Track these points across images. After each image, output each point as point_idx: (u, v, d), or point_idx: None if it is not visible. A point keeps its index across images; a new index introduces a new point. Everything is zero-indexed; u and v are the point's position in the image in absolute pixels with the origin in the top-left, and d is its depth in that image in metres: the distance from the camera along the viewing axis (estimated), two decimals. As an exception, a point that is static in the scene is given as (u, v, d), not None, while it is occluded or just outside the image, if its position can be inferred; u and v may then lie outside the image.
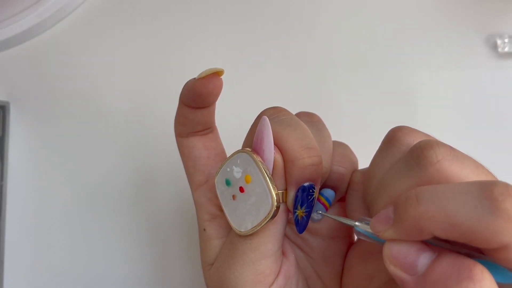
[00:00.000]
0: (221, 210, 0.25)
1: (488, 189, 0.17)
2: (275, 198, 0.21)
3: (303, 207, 0.22)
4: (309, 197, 0.22)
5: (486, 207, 0.16)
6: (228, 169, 0.23)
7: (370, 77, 0.39)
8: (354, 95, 0.38)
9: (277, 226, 0.23)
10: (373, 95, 0.38)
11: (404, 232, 0.18)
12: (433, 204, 0.17)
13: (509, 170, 0.37)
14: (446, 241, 0.18)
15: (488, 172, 0.20)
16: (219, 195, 0.24)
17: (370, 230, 0.20)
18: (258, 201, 0.22)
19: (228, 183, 0.23)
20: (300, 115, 0.26)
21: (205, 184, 0.26)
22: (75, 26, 0.40)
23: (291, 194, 0.22)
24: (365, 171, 0.24)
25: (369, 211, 0.23)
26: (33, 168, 0.38)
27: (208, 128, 0.26)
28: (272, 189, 0.22)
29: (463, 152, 0.20)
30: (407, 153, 0.20)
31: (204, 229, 0.26)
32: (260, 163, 0.22)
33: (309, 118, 0.26)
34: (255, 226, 0.22)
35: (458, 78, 0.38)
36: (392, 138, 0.22)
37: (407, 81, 0.38)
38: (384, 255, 0.19)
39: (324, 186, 0.25)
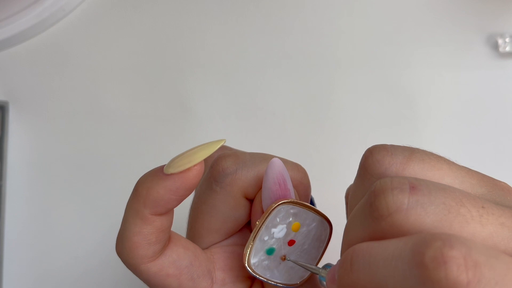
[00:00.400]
0: (250, 286, 0.22)
1: (419, 253, 0.13)
2: (327, 217, 0.21)
3: None
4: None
5: (416, 277, 0.13)
6: (266, 238, 0.20)
7: (370, 77, 0.39)
8: (354, 95, 0.38)
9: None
10: (373, 95, 0.38)
11: None
12: (364, 272, 0.15)
13: (509, 170, 0.37)
14: None
15: (471, 205, 0.15)
16: (261, 276, 0.20)
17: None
18: (315, 235, 0.21)
19: (271, 252, 0.20)
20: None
21: (214, 284, 0.21)
22: (75, 25, 0.40)
23: None
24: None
25: None
26: (32, 168, 0.38)
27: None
28: (322, 213, 0.21)
29: (429, 185, 0.15)
30: (364, 197, 0.17)
31: None
32: (300, 202, 0.20)
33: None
34: (319, 259, 0.21)
35: (458, 78, 0.38)
36: (362, 166, 0.18)
37: (407, 81, 0.38)
38: None
39: None
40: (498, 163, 0.37)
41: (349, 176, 0.39)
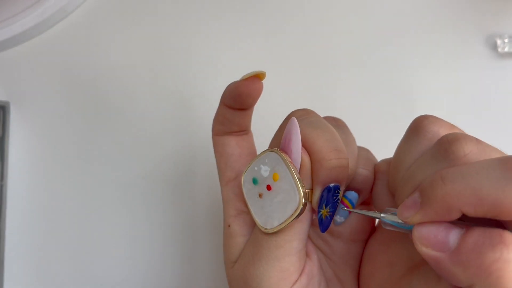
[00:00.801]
0: (247, 207, 0.25)
1: (507, 162, 0.18)
2: (303, 195, 0.22)
3: (328, 207, 0.23)
4: (334, 197, 0.23)
5: (508, 178, 0.17)
6: (256, 168, 0.24)
7: (370, 77, 0.39)
8: (354, 95, 0.38)
9: (302, 225, 0.23)
10: (373, 95, 0.38)
11: (433, 213, 0.19)
12: (458, 182, 0.18)
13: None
14: (471, 222, 0.19)
15: None
16: (245, 193, 0.25)
17: (397, 220, 0.21)
18: (285, 199, 0.23)
19: (255, 181, 0.24)
20: (326, 119, 0.27)
21: (234, 180, 0.27)
22: (75, 26, 0.40)
23: (317, 193, 0.23)
24: (390, 160, 0.25)
25: (394, 200, 0.23)
26: (33, 168, 0.38)
27: (243, 130, 0.27)
28: (300, 186, 0.22)
29: (489, 144, 0.20)
30: (434, 145, 0.21)
31: (229, 225, 0.26)
32: (288, 162, 0.22)
33: (335, 122, 0.27)
34: (281, 223, 0.23)
35: (458, 78, 0.38)
36: (418, 126, 0.22)
37: (407, 81, 0.38)
38: (414, 239, 0.19)
39: (348, 188, 0.26)
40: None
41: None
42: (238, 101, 0.26)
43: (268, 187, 0.23)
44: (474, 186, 0.18)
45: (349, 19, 0.40)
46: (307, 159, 0.23)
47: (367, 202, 0.27)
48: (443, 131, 0.22)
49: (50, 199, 0.37)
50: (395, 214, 0.21)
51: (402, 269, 0.23)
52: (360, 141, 0.38)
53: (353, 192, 0.26)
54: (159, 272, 0.37)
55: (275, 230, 0.23)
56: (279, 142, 0.24)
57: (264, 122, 0.38)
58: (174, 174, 0.38)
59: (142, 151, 0.38)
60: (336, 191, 0.23)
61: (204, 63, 0.39)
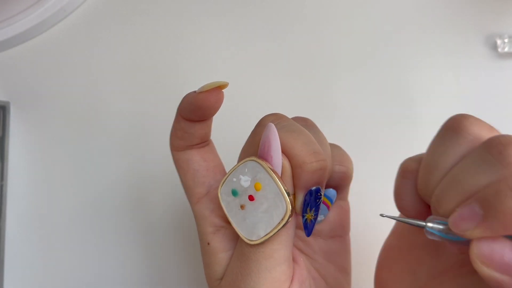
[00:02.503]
0: (226, 221, 0.24)
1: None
2: (289, 202, 0.22)
3: (312, 211, 0.22)
4: (317, 200, 0.22)
5: None
6: (235, 179, 0.23)
7: (370, 77, 0.39)
8: (354, 95, 0.38)
9: (288, 231, 0.23)
10: (373, 95, 0.38)
11: (500, 228, 0.17)
12: None
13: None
14: None
15: None
16: (224, 207, 0.23)
17: (443, 230, 0.19)
18: (271, 207, 0.22)
19: (235, 193, 0.23)
20: (295, 120, 0.26)
21: (206, 196, 0.25)
22: (75, 26, 0.40)
23: (300, 198, 0.22)
24: (420, 159, 0.23)
25: (423, 204, 0.22)
26: (33, 168, 0.38)
27: (205, 141, 0.26)
28: (285, 193, 0.22)
29: None
30: (483, 148, 0.19)
31: (208, 243, 0.25)
32: (270, 169, 0.22)
33: (304, 123, 0.26)
34: (268, 233, 0.22)
35: (458, 78, 0.38)
36: (457, 126, 0.20)
37: (407, 81, 0.38)
38: (473, 256, 0.17)
39: (326, 186, 0.25)
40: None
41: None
42: (199, 114, 0.24)
43: (251, 198, 0.22)
44: None
45: (349, 19, 0.40)
46: (287, 165, 0.22)
47: (342, 197, 0.26)
48: (485, 134, 0.20)
49: (50, 199, 0.37)
50: (442, 223, 0.19)
51: (425, 277, 0.23)
52: (360, 141, 0.38)
53: (331, 189, 0.26)
54: (159, 273, 0.37)
55: (262, 241, 0.22)
56: (254, 150, 0.23)
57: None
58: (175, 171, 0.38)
59: (142, 151, 0.38)
60: (318, 194, 0.22)
61: (204, 63, 0.39)
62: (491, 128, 0.20)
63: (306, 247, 0.27)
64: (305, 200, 0.22)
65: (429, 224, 0.20)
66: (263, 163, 0.22)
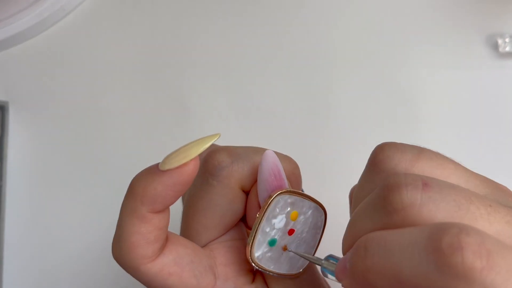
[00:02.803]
0: (252, 281, 0.22)
1: (436, 240, 0.14)
2: (322, 204, 0.21)
3: None
4: None
5: (432, 263, 0.14)
6: (268, 229, 0.20)
7: (370, 77, 0.39)
8: (354, 95, 0.38)
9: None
10: (373, 95, 0.38)
11: (356, 287, 0.16)
12: (379, 258, 0.15)
13: (509, 170, 0.37)
14: None
15: (479, 203, 0.16)
16: (265, 268, 0.20)
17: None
18: (312, 223, 0.21)
19: (272, 243, 0.20)
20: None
21: (218, 279, 0.21)
22: (75, 25, 0.40)
23: None
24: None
25: None
26: (32, 168, 0.38)
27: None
28: (316, 200, 0.21)
29: (440, 185, 0.16)
30: (375, 191, 0.17)
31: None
32: (295, 192, 0.20)
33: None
34: (318, 242, 0.22)
35: (458, 78, 0.38)
36: (373, 161, 0.18)
37: (407, 81, 0.38)
38: None
39: None
40: (498, 162, 0.37)
41: (349, 175, 0.39)
42: (181, 192, 0.18)
43: (290, 232, 0.20)
44: (395, 266, 0.15)
45: (349, 19, 0.40)
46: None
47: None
48: (402, 167, 0.17)
49: (49, 199, 0.37)
50: (335, 262, 0.19)
51: None
52: (360, 141, 0.38)
53: None
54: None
55: (305, 267, 0.22)
56: (266, 187, 0.20)
57: (264, 122, 0.38)
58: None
59: (142, 151, 0.38)
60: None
61: (204, 63, 0.39)
62: (415, 157, 0.18)
63: None
64: None
65: (323, 262, 0.19)
66: (288, 189, 0.20)
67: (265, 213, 0.20)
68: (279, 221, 0.20)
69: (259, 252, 0.20)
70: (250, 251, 0.20)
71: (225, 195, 0.21)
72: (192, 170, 0.18)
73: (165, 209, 0.19)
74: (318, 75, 0.39)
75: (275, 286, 0.22)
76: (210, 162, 0.21)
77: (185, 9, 0.40)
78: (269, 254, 0.20)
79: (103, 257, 0.37)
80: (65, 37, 0.40)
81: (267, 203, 0.19)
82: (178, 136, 0.38)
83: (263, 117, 0.38)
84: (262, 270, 0.20)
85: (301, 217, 0.21)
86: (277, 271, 0.21)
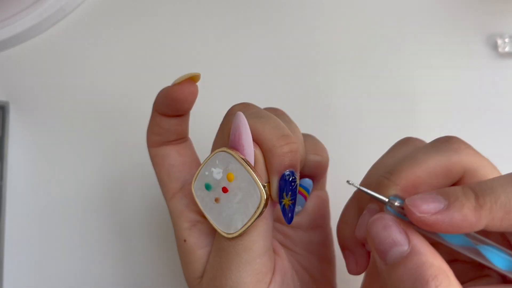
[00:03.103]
0: (202, 216, 0.24)
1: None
2: (263, 190, 0.21)
3: (288, 195, 0.22)
4: (293, 183, 0.22)
5: None
6: (207, 173, 0.23)
7: (370, 78, 0.39)
8: (354, 95, 0.38)
9: (266, 222, 0.22)
10: (373, 96, 0.38)
11: (459, 221, 0.19)
12: (489, 197, 0.19)
13: (509, 170, 0.37)
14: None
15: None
16: (199, 202, 0.23)
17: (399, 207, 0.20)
18: (245, 197, 0.22)
19: (208, 187, 0.23)
20: (266, 110, 0.26)
21: (181, 191, 0.25)
22: (75, 26, 0.40)
23: (275, 184, 0.22)
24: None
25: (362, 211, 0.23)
26: (33, 168, 0.38)
27: (182, 138, 0.26)
28: (258, 182, 0.21)
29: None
30: (432, 141, 0.23)
31: (185, 240, 0.25)
32: (241, 159, 0.22)
33: (275, 112, 0.26)
34: (246, 224, 0.22)
35: (458, 78, 0.38)
36: (408, 140, 0.24)
37: (407, 81, 0.38)
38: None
39: (301, 176, 0.25)
40: (498, 162, 0.37)
41: (349, 175, 0.38)
42: (173, 107, 0.24)
43: (224, 189, 0.22)
44: (504, 201, 0.18)
45: (349, 19, 0.40)
46: (258, 152, 0.22)
47: (319, 187, 0.27)
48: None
49: (50, 199, 0.37)
50: (400, 201, 0.20)
51: None
52: (360, 141, 0.38)
53: (307, 179, 0.26)
54: (160, 272, 0.37)
55: (240, 232, 0.22)
56: (225, 141, 0.23)
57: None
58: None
59: (142, 150, 0.38)
60: (293, 177, 0.22)
61: (204, 62, 0.39)
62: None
63: (286, 239, 0.26)
64: (280, 185, 0.22)
65: (391, 199, 0.21)
66: (233, 152, 0.22)
67: (207, 160, 0.23)
68: (217, 173, 0.22)
69: (198, 190, 0.23)
70: (193, 182, 0.23)
71: (221, 138, 0.24)
72: (176, 89, 0.24)
73: (166, 115, 0.25)
74: (318, 75, 0.39)
75: (216, 239, 0.24)
76: (231, 107, 0.24)
77: (185, 9, 0.40)
78: (204, 196, 0.23)
79: (104, 256, 0.37)
80: (65, 37, 0.40)
81: (214, 152, 0.23)
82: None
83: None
84: (198, 206, 0.23)
85: (235, 183, 0.22)
86: (213, 221, 0.23)
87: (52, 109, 0.39)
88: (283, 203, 0.22)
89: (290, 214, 0.22)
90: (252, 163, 0.22)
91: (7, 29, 0.38)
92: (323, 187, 0.27)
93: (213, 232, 0.24)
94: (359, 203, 0.24)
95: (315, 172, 0.25)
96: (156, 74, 0.39)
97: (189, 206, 0.25)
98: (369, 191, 0.21)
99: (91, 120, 0.38)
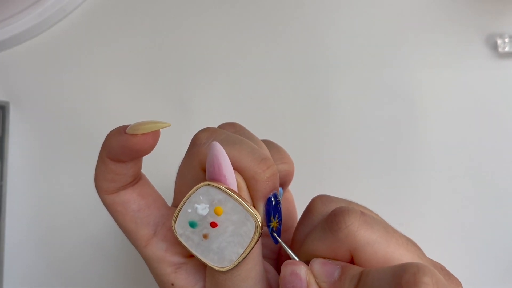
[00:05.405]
0: (186, 256, 0.24)
1: (397, 277, 0.18)
2: (258, 217, 0.21)
3: (276, 217, 0.22)
4: (277, 205, 0.22)
5: None
6: (190, 210, 0.22)
7: (369, 78, 0.39)
8: (353, 95, 0.38)
9: (258, 247, 0.22)
10: (372, 96, 0.38)
11: None
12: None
13: (509, 170, 0.37)
14: None
15: (399, 236, 0.21)
16: (184, 242, 0.22)
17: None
18: (238, 228, 0.21)
19: (193, 225, 0.22)
20: (224, 127, 0.25)
21: (155, 236, 0.24)
22: (75, 26, 0.40)
23: (261, 209, 0.22)
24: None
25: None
26: (33, 168, 0.38)
27: (138, 177, 0.24)
28: (250, 209, 0.21)
29: (373, 216, 0.22)
30: (323, 219, 0.22)
31: (173, 284, 0.23)
32: (228, 190, 0.21)
33: (234, 129, 0.25)
34: (242, 254, 0.21)
35: (458, 78, 0.38)
36: (311, 208, 0.24)
37: (407, 81, 0.38)
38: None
39: None
40: (498, 162, 0.37)
41: (348, 175, 0.39)
42: (131, 156, 0.22)
43: (213, 224, 0.21)
44: None
45: (349, 19, 0.40)
46: (241, 180, 0.21)
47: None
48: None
49: (50, 199, 0.37)
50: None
51: None
52: (360, 142, 0.38)
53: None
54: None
55: (236, 264, 0.21)
56: (195, 174, 0.22)
57: (264, 122, 0.38)
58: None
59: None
60: (277, 199, 0.22)
61: (205, 63, 0.39)
62: (345, 203, 0.23)
63: (264, 249, 0.26)
64: (267, 210, 0.22)
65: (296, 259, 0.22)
66: (218, 185, 0.21)
67: (189, 196, 0.21)
68: (202, 209, 0.21)
69: (181, 230, 0.22)
70: (174, 222, 0.22)
71: (189, 170, 0.23)
72: (135, 142, 0.21)
73: (120, 161, 0.22)
74: (318, 76, 0.39)
75: (208, 276, 0.23)
76: (195, 135, 0.23)
77: (185, 9, 0.40)
78: (190, 235, 0.22)
79: (104, 255, 0.37)
80: (65, 37, 0.40)
81: (195, 188, 0.21)
82: (177, 135, 0.38)
83: (263, 117, 0.38)
84: (185, 247, 0.22)
85: (225, 216, 0.21)
86: (204, 258, 0.22)
87: (52, 109, 0.39)
88: (271, 226, 0.22)
89: (278, 235, 0.23)
90: (236, 191, 0.21)
91: (7, 29, 0.38)
92: (287, 189, 0.27)
93: (202, 268, 0.24)
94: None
95: (284, 180, 0.25)
96: (157, 74, 0.39)
97: (169, 250, 0.24)
98: (288, 250, 0.23)
99: (91, 120, 0.38)
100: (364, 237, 0.21)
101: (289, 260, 0.22)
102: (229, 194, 0.21)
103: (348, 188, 0.36)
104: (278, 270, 0.26)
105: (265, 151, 0.24)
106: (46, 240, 0.37)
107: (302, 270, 0.21)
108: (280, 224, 0.22)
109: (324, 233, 0.21)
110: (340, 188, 0.36)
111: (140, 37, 0.40)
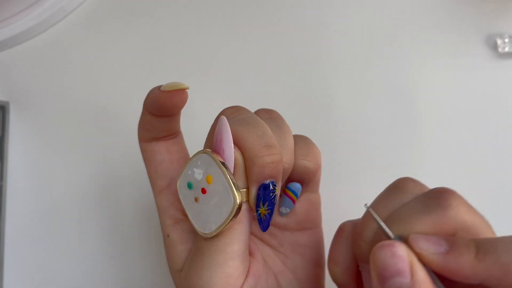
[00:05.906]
0: (185, 214, 0.25)
1: None
2: (237, 196, 0.21)
3: (265, 205, 0.22)
4: (271, 194, 0.22)
5: None
6: (190, 172, 0.23)
7: (369, 78, 0.39)
8: (353, 95, 0.38)
9: (242, 226, 0.23)
10: (372, 96, 0.38)
11: (456, 268, 0.19)
12: (490, 255, 0.19)
13: (509, 170, 0.37)
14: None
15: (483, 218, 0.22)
16: (181, 199, 0.24)
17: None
18: (220, 201, 0.22)
19: (190, 186, 0.23)
20: (259, 112, 0.26)
21: (167, 188, 0.26)
22: (75, 25, 0.40)
23: (253, 192, 0.22)
24: (356, 223, 0.24)
25: (353, 261, 0.23)
26: (33, 168, 0.38)
27: (172, 134, 0.26)
28: (233, 187, 0.21)
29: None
30: (424, 195, 0.22)
31: (168, 235, 0.25)
32: (220, 162, 0.22)
33: (268, 115, 0.26)
34: (219, 226, 0.22)
35: (458, 78, 0.38)
36: (402, 186, 0.23)
37: (407, 81, 0.38)
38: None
39: (291, 180, 0.25)
40: (498, 162, 0.37)
41: (348, 175, 0.39)
42: (162, 111, 0.24)
43: (203, 190, 0.22)
44: (504, 262, 0.18)
45: (349, 19, 0.40)
46: (240, 158, 0.22)
47: (311, 189, 0.27)
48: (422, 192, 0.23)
49: (50, 199, 0.37)
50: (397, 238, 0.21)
51: None
52: (360, 142, 0.38)
53: (296, 183, 0.26)
54: (159, 272, 0.37)
55: (213, 234, 0.22)
56: (212, 143, 0.23)
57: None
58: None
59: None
60: (272, 188, 0.22)
61: (204, 63, 0.39)
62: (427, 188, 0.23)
63: (272, 239, 0.27)
64: (258, 195, 0.22)
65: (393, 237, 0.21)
66: (214, 156, 0.22)
67: (191, 159, 0.23)
68: (198, 173, 0.23)
69: (181, 188, 0.24)
70: (178, 179, 0.24)
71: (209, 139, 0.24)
72: (161, 97, 0.24)
73: (154, 114, 0.25)
74: (318, 76, 0.39)
75: (194, 238, 0.25)
76: (223, 110, 0.25)
77: (185, 9, 0.40)
78: (186, 194, 0.23)
79: (104, 256, 0.37)
80: (65, 37, 0.40)
81: (197, 153, 0.23)
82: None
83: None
84: (180, 203, 0.24)
85: (213, 185, 0.22)
86: (192, 219, 0.23)
87: (52, 109, 0.39)
88: (259, 211, 0.22)
89: (265, 223, 0.23)
90: (232, 167, 0.22)
91: (7, 29, 0.39)
92: (314, 190, 0.27)
93: (194, 230, 0.24)
94: (347, 241, 0.24)
95: (303, 177, 0.25)
96: (157, 74, 0.39)
97: (174, 204, 0.25)
98: (381, 223, 0.22)
99: (92, 120, 0.38)
100: (470, 217, 0.21)
101: (383, 242, 0.20)
102: (219, 167, 0.22)
103: (348, 187, 0.36)
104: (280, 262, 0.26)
105: (284, 141, 0.24)
106: (46, 240, 0.37)
107: (403, 250, 0.20)
108: (270, 214, 0.22)
109: (429, 208, 0.21)
110: (340, 188, 0.36)
111: (140, 37, 0.40)
